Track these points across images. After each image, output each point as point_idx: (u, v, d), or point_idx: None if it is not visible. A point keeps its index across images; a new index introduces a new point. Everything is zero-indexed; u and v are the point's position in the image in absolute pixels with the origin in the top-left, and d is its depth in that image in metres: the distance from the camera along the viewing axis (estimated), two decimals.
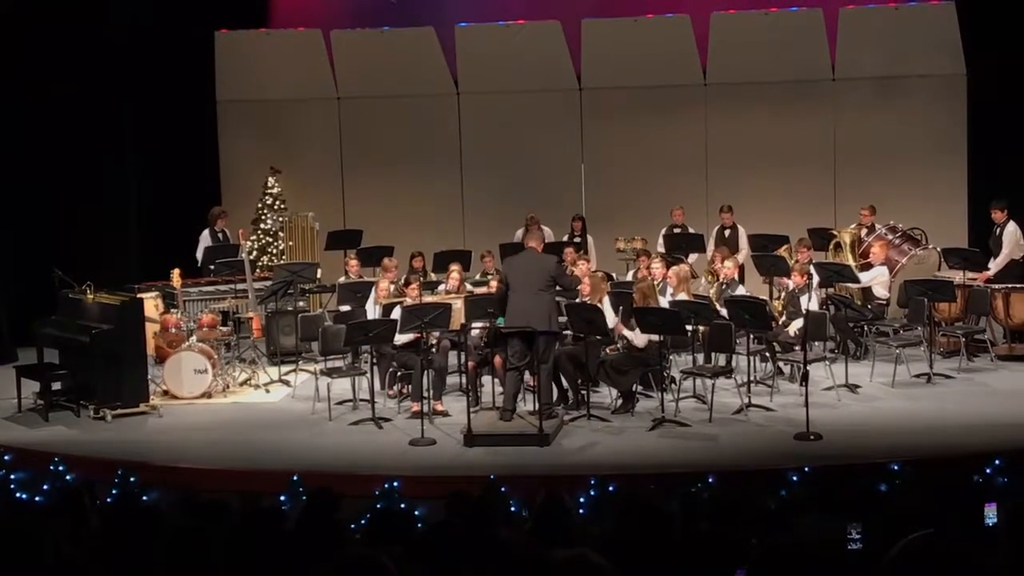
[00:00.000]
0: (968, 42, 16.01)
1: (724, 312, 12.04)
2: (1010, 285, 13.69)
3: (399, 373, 12.30)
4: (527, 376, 11.54)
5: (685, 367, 12.17)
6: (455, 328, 11.77)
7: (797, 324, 12.31)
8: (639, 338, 11.52)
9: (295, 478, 9.35)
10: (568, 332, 12.05)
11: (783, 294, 13.11)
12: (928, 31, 16.23)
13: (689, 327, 11.63)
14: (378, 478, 9.45)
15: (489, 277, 13.82)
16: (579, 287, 11.98)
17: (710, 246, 15.09)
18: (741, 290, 13.08)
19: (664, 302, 11.93)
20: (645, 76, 16.79)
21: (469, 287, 13.37)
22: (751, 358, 12.25)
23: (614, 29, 16.80)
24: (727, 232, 15.26)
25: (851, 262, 14.07)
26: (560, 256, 14.21)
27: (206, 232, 15.47)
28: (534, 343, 11.01)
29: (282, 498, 8.77)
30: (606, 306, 11.84)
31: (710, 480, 8.95)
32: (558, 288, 11.50)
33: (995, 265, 13.89)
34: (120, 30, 16.16)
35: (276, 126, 17.34)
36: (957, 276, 13.60)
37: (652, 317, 11.33)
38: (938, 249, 14.42)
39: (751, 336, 12.21)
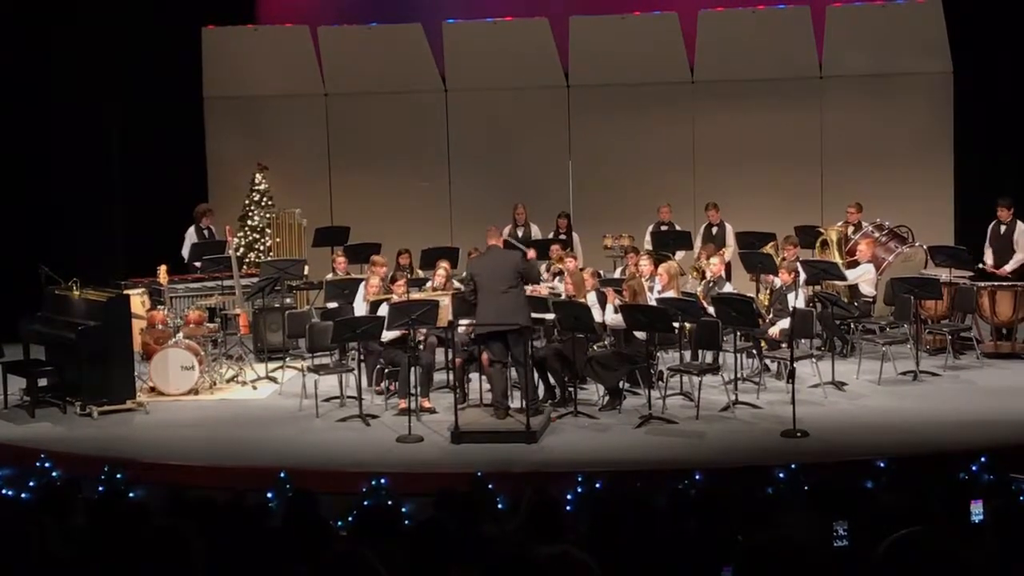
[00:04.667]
0: (955, 40, 16.04)
1: (711, 309, 12.06)
2: (996, 283, 13.73)
3: (386, 370, 12.30)
4: (513, 373, 11.53)
5: (672, 364, 12.17)
6: (442, 325, 11.77)
7: (781, 325, 12.33)
8: (609, 317, 11.62)
9: (282, 475, 9.34)
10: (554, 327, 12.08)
11: (771, 291, 13.12)
12: (915, 29, 16.26)
13: (676, 324, 11.65)
14: (365, 475, 9.45)
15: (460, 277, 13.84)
16: (563, 286, 12.01)
17: (697, 243, 15.11)
18: (728, 287, 13.10)
19: (652, 299, 11.94)
20: (633, 73, 16.79)
21: (456, 284, 13.37)
22: (738, 355, 12.28)
23: (602, 26, 16.79)
24: (714, 229, 15.27)
25: (838, 260, 14.10)
26: (546, 253, 14.27)
27: (191, 229, 15.43)
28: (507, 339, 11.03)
29: (269, 495, 8.76)
30: (591, 301, 11.86)
31: (697, 477, 8.95)
32: (527, 283, 11.52)
33: (1013, 262, 13.91)
34: (106, 26, 16.10)
35: (263, 122, 17.32)
36: (943, 274, 13.63)
37: (640, 314, 11.35)
38: (924, 247, 14.45)
39: (738, 333, 12.22)
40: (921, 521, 5.55)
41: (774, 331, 12.44)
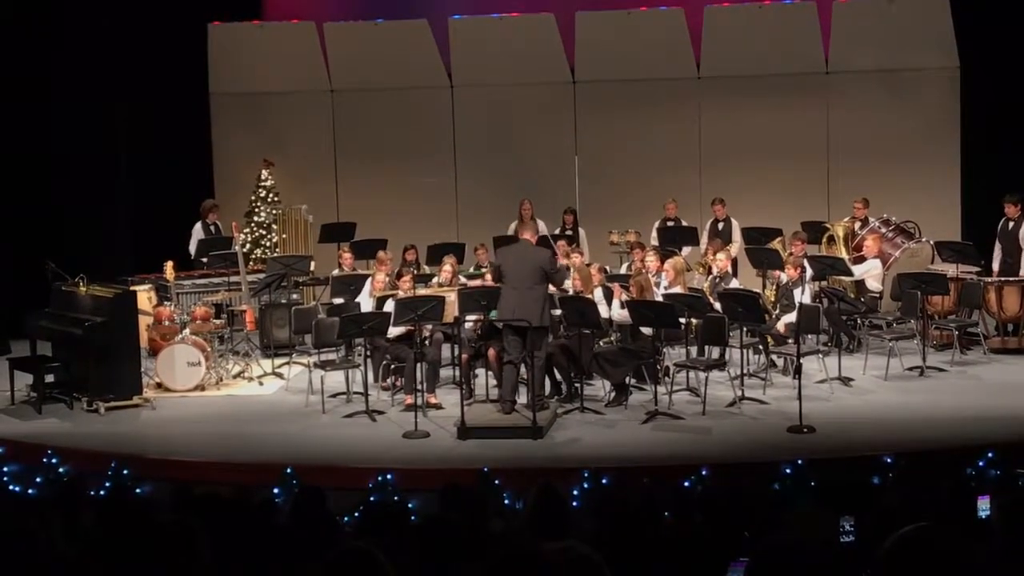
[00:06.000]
0: (961, 35, 16.00)
1: (717, 305, 12.06)
2: (1003, 278, 13.71)
3: (392, 366, 12.30)
4: (521, 369, 11.53)
5: (678, 360, 12.17)
6: (448, 321, 11.77)
7: (787, 319, 12.32)
8: (616, 312, 11.62)
9: (288, 471, 9.35)
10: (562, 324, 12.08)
11: (777, 286, 13.11)
12: (921, 24, 16.22)
13: (683, 320, 11.64)
14: (371, 471, 9.46)
15: (483, 270, 13.85)
16: (570, 281, 12.00)
17: (703, 239, 15.10)
18: (734, 283, 13.09)
19: (658, 295, 11.94)
20: (639, 69, 16.78)
21: (463, 280, 13.39)
22: (744, 351, 12.26)
23: (608, 22, 16.78)
24: (720, 225, 15.26)
25: (844, 255, 14.08)
26: (552, 249, 14.24)
27: (198, 225, 15.46)
28: (527, 336, 11.02)
29: (275, 491, 8.77)
30: (598, 297, 11.86)
31: (703, 473, 8.96)
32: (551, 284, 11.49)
33: None
34: (113, 22, 16.12)
35: (269, 118, 17.32)
36: (950, 269, 13.61)
37: (646, 310, 11.34)
38: (931, 242, 14.42)
39: (744, 329, 12.22)
40: (928, 517, 5.54)
41: (780, 325, 12.44)
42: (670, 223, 15.41)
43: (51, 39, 15.76)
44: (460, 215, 17.09)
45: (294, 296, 14.62)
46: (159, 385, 12.69)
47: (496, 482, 8.85)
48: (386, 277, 12.80)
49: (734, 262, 14.32)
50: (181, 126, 16.77)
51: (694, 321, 11.97)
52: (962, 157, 16.33)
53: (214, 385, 12.86)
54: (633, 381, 12.07)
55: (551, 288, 11.41)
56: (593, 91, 17.02)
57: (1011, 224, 14.04)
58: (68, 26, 15.89)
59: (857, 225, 14.66)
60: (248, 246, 16.14)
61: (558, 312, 11.91)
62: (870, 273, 13.76)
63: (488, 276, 12.81)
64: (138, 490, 8.78)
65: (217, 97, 17.41)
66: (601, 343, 12.16)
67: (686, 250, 14.88)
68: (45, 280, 13.07)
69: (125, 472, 9.59)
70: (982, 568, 3.75)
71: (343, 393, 12.28)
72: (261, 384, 13.11)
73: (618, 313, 11.75)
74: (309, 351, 13.25)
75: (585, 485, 8.71)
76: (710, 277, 13.28)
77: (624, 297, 11.71)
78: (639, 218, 15.53)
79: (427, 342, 12.04)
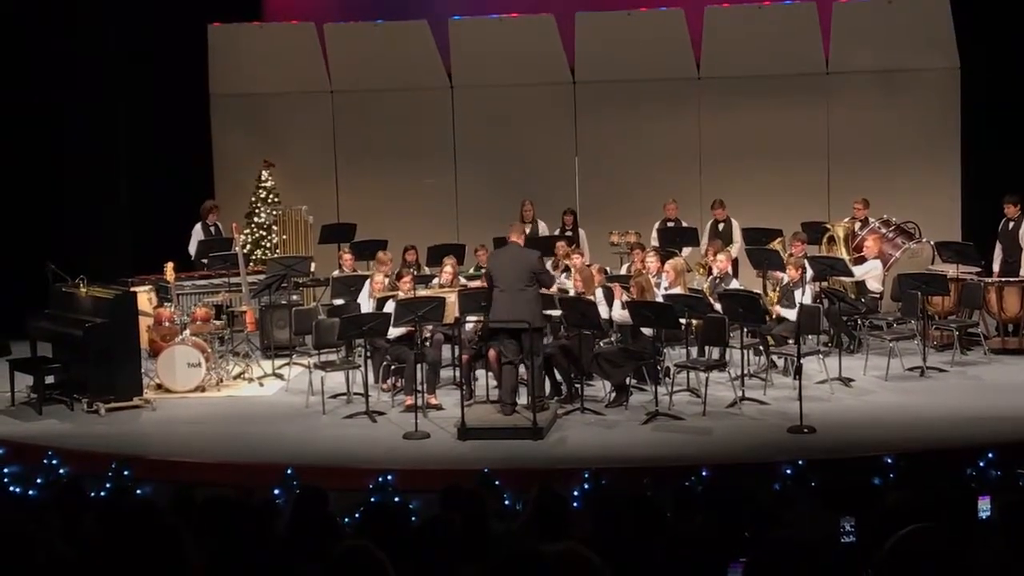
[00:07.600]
0: (961, 36, 16.00)
1: (718, 306, 12.06)
2: (1003, 279, 13.71)
3: (393, 367, 12.30)
4: (521, 369, 11.53)
5: (679, 361, 12.16)
6: (449, 322, 11.77)
7: (785, 312, 12.36)
8: (616, 313, 11.59)
9: (289, 472, 9.35)
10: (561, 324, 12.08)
11: (777, 287, 13.10)
12: (922, 25, 16.22)
13: (683, 321, 11.64)
14: (372, 472, 9.46)
15: (483, 270, 13.84)
16: (571, 282, 12.01)
17: (704, 240, 15.09)
18: (735, 284, 13.09)
19: (659, 295, 11.94)
20: (639, 70, 16.77)
21: (463, 280, 13.39)
22: (745, 352, 12.26)
23: (608, 22, 16.78)
24: (721, 226, 15.25)
25: (845, 256, 14.08)
26: (551, 250, 14.25)
27: (198, 226, 15.45)
28: (522, 338, 11.02)
29: (276, 491, 8.76)
30: (598, 297, 11.86)
31: (704, 473, 8.95)
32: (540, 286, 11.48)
33: None
34: (113, 23, 16.12)
35: (269, 119, 17.32)
36: (951, 270, 13.61)
37: (646, 311, 11.34)
38: (931, 243, 14.42)
39: (744, 330, 12.22)
40: (928, 517, 5.54)
41: (777, 311, 12.47)
42: (670, 224, 15.40)
43: (52, 40, 15.75)
44: (460, 216, 17.08)
45: (294, 297, 14.62)
46: (159, 386, 12.69)
47: (496, 483, 8.85)
48: (385, 278, 12.79)
49: (735, 263, 14.31)
50: (181, 127, 16.76)
51: (694, 322, 11.97)
52: (962, 157, 16.34)
53: (214, 386, 12.86)
54: (633, 382, 12.07)
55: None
56: (593, 92, 17.01)
57: (1011, 224, 14.05)
58: (68, 27, 15.87)
59: (857, 226, 14.66)
60: (248, 247, 16.14)
61: (557, 313, 11.92)
62: (870, 274, 13.76)
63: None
64: (139, 491, 8.77)
65: (217, 98, 17.40)
66: (601, 344, 12.16)
67: (686, 251, 14.87)
68: (45, 281, 13.06)
69: (125, 473, 9.59)
70: (983, 568, 3.76)
71: (343, 394, 12.28)
72: (261, 385, 13.11)
73: (618, 314, 11.74)
74: (309, 352, 13.24)
75: (585, 486, 8.72)
76: (710, 278, 13.27)
77: (624, 298, 11.70)
78: (639, 219, 15.53)
79: (427, 343, 12.05)
